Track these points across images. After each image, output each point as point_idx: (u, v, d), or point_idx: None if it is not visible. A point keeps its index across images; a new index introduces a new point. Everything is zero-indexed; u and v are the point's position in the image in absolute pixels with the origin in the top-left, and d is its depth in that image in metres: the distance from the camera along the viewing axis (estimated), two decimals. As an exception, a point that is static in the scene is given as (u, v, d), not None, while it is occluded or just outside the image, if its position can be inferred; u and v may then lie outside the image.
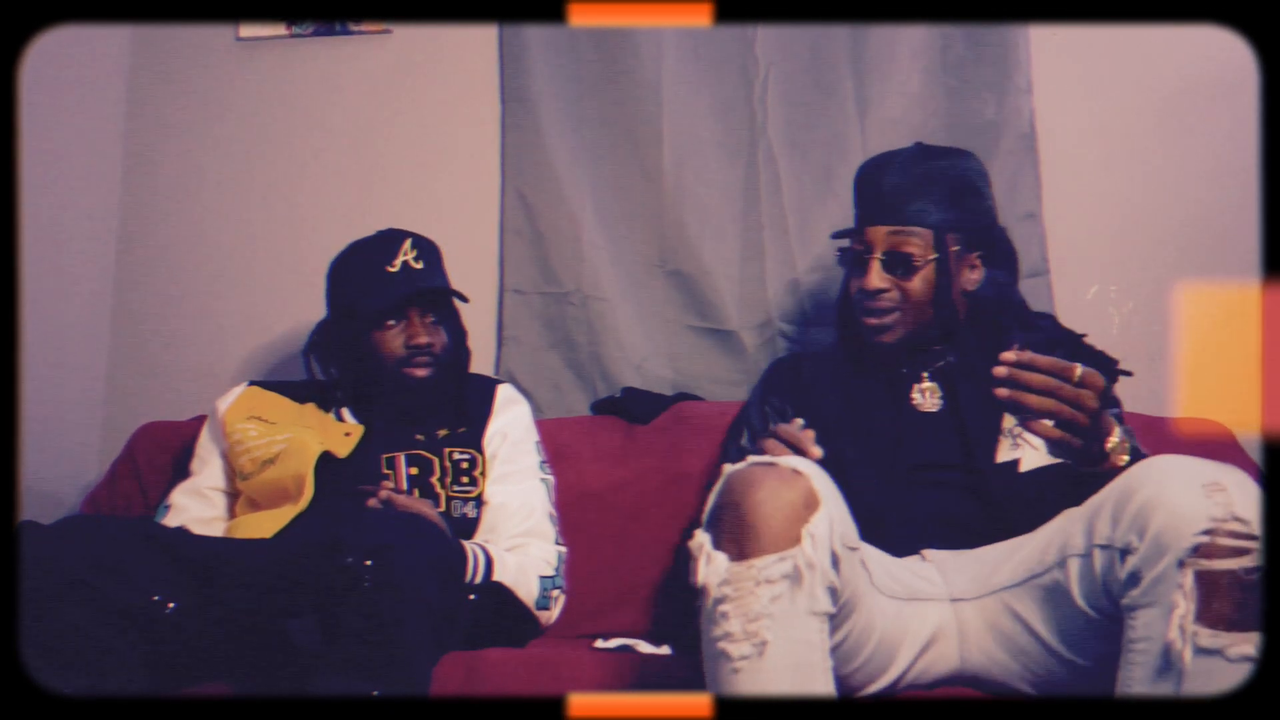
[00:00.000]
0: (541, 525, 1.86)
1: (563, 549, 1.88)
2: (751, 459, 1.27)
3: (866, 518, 1.45)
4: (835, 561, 1.22)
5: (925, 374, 1.73)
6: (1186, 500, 1.15)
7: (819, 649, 1.20)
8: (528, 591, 1.78)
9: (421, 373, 1.88)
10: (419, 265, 1.90)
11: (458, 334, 1.97)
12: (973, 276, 1.74)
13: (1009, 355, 1.28)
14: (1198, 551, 1.13)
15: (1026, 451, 1.57)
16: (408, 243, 1.92)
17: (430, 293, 1.89)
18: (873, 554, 1.41)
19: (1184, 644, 1.12)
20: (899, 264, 1.68)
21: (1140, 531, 1.17)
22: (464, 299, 1.94)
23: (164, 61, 2.50)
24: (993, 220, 1.77)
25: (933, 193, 1.69)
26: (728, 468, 1.27)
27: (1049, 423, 1.29)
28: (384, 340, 1.88)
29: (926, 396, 1.71)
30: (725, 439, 1.97)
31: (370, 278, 1.90)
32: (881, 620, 1.35)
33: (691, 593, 1.23)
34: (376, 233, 1.97)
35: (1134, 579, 1.17)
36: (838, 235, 1.80)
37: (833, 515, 1.23)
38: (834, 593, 1.22)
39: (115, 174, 2.49)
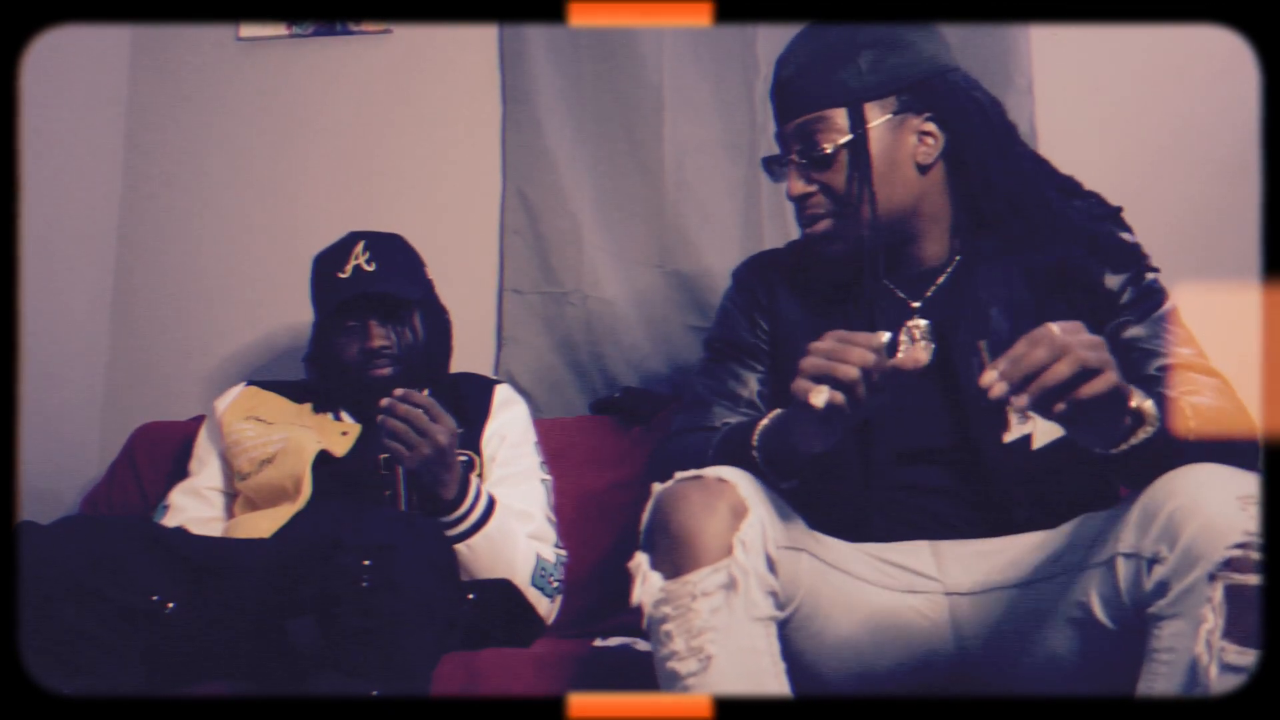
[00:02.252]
0: (542, 529, 1.86)
1: (563, 553, 1.87)
2: (679, 475, 1.24)
3: (847, 517, 1.42)
4: (772, 565, 1.21)
5: (915, 305, 1.46)
6: (1221, 512, 1.11)
7: (766, 654, 1.19)
8: (525, 560, 1.77)
9: (383, 372, 1.87)
10: (371, 268, 1.88)
11: (433, 326, 1.95)
12: (924, 146, 1.44)
13: (987, 378, 1.13)
14: (1229, 565, 1.09)
15: (1038, 423, 1.39)
16: (359, 245, 1.91)
17: (374, 296, 1.87)
18: (844, 547, 1.37)
19: (1210, 659, 1.09)
20: (813, 159, 1.43)
21: (1171, 541, 1.14)
22: (404, 301, 1.89)
23: (164, 61, 2.50)
24: (939, 69, 1.45)
25: (836, 61, 1.42)
26: (656, 486, 1.25)
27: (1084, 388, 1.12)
28: (343, 346, 1.88)
29: (916, 345, 1.39)
30: (694, 393, 1.58)
31: (324, 285, 1.91)
32: (865, 613, 1.33)
33: (638, 613, 1.22)
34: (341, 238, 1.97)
35: (1161, 589, 1.14)
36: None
37: (764, 519, 1.22)
38: (775, 596, 1.21)
39: (115, 174, 2.49)
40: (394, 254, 1.94)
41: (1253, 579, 1.08)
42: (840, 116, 1.42)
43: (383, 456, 1.83)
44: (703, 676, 1.16)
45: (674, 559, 1.19)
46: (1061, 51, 2.24)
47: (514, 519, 1.79)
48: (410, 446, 1.65)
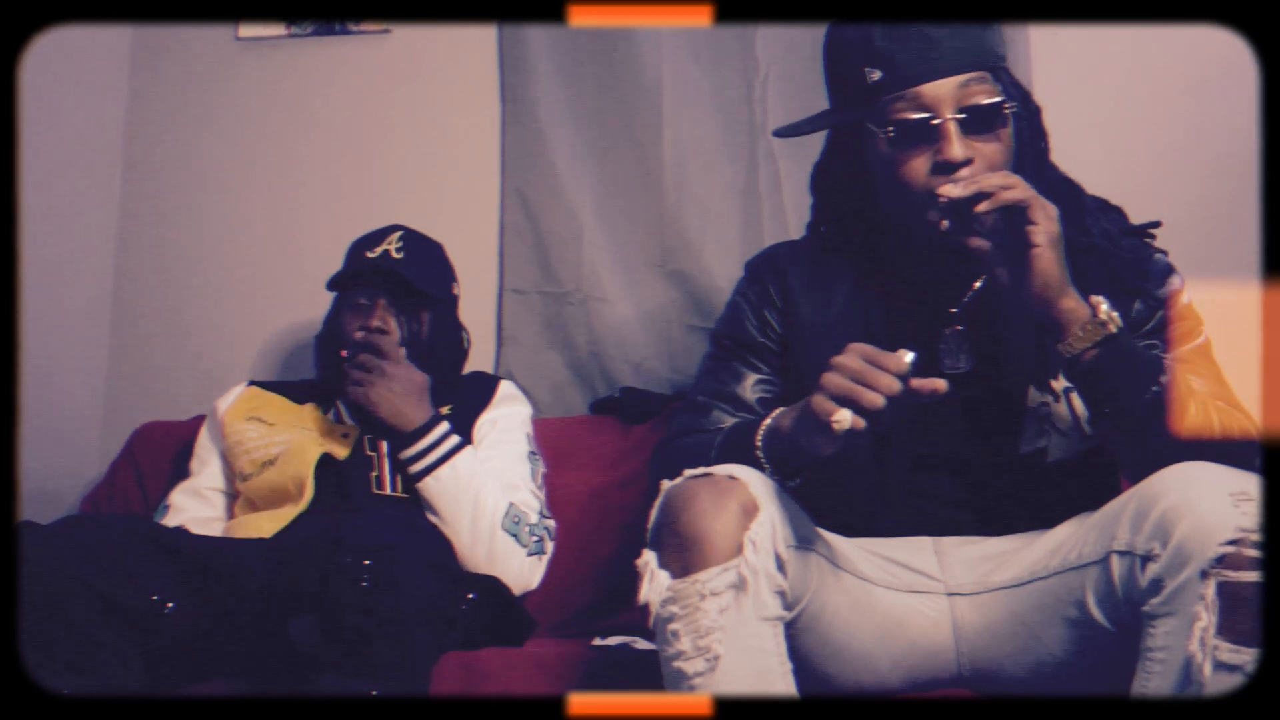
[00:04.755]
0: (524, 498, 1.85)
1: (551, 522, 1.88)
2: (689, 472, 1.23)
3: (855, 516, 1.42)
4: (781, 565, 1.20)
5: (954, 311, 1.36)
6: (1213, 509, 1.10)
7: (774, 654, 1.18)
8: (495, 504, 1.78)
9: None
10: (399, 256, 1.91)
11: (444, 334, 1.96)
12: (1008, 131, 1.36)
13: (946, 186, 1.23)
14: (1222, 562, 1.08)
15: (1054, 438, 1.38)
16: (397, 235, 1.95)
17: (383, 275, 1.89)
18: (850, 547, 1.37)
19: (1204, 658, 1.08)
20: (979, 122, 1.31)
21: (1163, 539, 1.13)
22: (418, 293, 1.91)
23: (164, 61, 2.50)
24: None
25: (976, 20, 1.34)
26: (665, 484, 1.24)
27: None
28: (349, 321, 1.91)
29: (959, 358, 1.40)
30: (700, 384, 1.54)
31: (350, 260, 1.95)
32: (870, 612, 1.33)
33: (644, 612, 1.21)
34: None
35: (1155, 587, 1.13)
36: (837, 115, 1.40)
37: (774, 518, 1.21)
38: (783, 596, 1.21)
39: (115, 174, 2.49)
40: (426, 253, 1.98)
41: (1246, 576, 1.07)
42: (991, 80, 1.34)
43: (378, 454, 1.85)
44: (710, 676, 1.15)
45: (682, 558, 1.18)
46: (1061, 51, 2.24)
47: (487, 472, 1.81)
48: (362, 382, 1.80)
